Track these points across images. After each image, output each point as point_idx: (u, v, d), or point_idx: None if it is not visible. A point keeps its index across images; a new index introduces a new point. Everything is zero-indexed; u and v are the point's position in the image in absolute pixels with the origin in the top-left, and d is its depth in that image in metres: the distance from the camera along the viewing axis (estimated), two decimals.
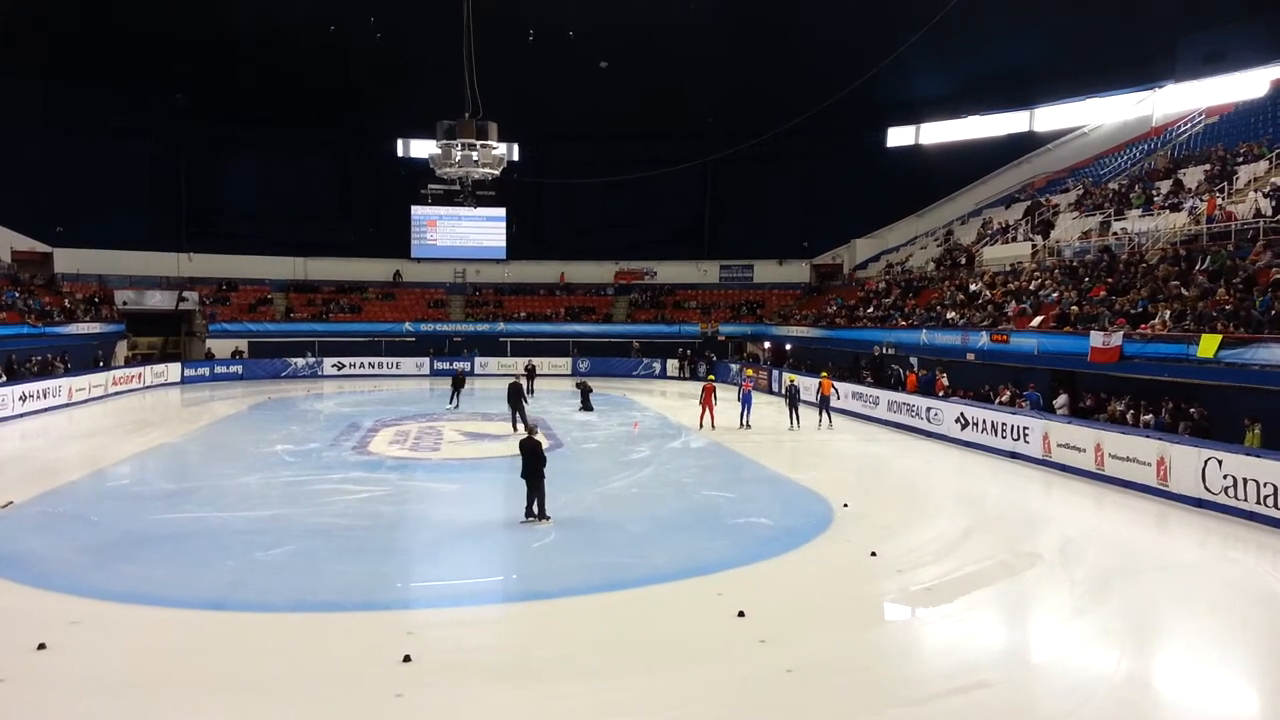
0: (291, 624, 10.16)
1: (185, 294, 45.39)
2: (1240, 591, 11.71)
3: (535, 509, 14.24)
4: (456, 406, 30.12)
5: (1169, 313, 20.87)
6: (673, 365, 44.95)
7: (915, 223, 47.06)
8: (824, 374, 29.19)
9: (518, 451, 14.40)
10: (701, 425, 26.09)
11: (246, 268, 48.08)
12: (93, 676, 8.51)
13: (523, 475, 14.30)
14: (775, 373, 37.05)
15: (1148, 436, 17.63)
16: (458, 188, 31.69)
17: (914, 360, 30.10)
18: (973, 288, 31.21)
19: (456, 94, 28.19)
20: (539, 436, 14.80)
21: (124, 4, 37.91)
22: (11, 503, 15.14)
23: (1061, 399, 22.39)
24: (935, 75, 44.07)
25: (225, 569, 11.90)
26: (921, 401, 25.68)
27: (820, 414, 27.02)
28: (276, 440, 23.30)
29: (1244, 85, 34.55)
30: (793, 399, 26.81)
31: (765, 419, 27.71)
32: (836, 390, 28.23)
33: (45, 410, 28.30)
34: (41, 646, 8.95)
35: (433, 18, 33.88)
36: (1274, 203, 22.67)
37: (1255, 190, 24.86)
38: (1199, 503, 15.57)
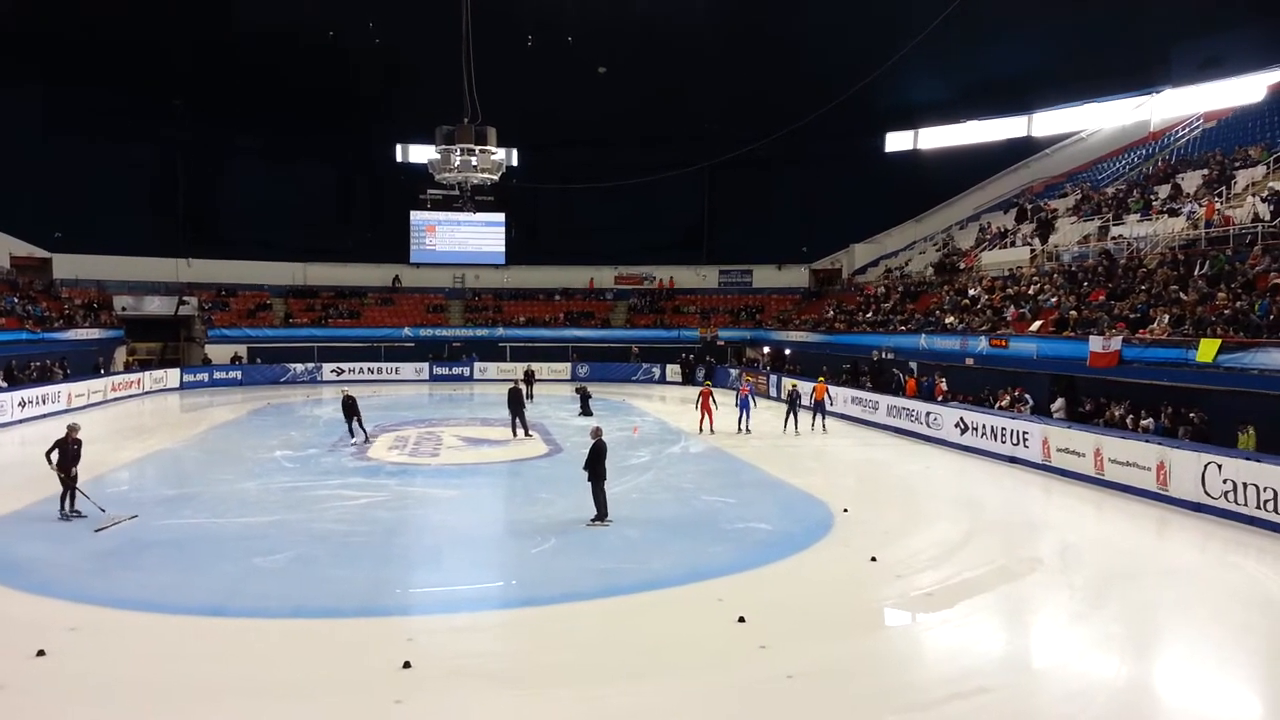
0: (290, 630, 10.15)
1: (185, 299, 45.43)
2: (1240, 596, 11.70)
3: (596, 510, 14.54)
4: (363, 439, 23.53)
5: (1168, 317, 20.87)
6: (672, 370, 44.95)
7: (914, 227, 47.07)
8: (820, 379, 29.24)
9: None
10: (701, 430, 26.13)
11: (246, 273, 48.07)
12: (92, 683, 8.50)
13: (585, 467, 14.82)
14: (774, 377, 37.05)
15: (1147, 441, 17.63)
16: (457, 193, 31.74)
17: (913, 365, 30.11)
18: (971, 292, 31.23)
19: (455, 99, 28.19)
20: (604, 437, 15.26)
21: (123, 8, 37.87)
22: (136, 516, 15.06)
23: (1058, 403, 22.39)
24: (933, 80, 44.08)
25: (224, 575, 11.90)
26: (921, 406, 25.70)
27: (814, 417, 27.14)
28: (275, 446, 23.29)
29: (1241, 90, 34.64)
30: (793, 404, 26.88)
31: (764, 424, 27.69)
32: (830, 395, 28.24)
33: (44, 416, 28.25)
34: (41, 653, 8.93)
35: (431, 23, 33.88)
36: (1272, 207, 22.68)
37: (1253, 195, 24.88)
38: (1199, 507, 15.56)
